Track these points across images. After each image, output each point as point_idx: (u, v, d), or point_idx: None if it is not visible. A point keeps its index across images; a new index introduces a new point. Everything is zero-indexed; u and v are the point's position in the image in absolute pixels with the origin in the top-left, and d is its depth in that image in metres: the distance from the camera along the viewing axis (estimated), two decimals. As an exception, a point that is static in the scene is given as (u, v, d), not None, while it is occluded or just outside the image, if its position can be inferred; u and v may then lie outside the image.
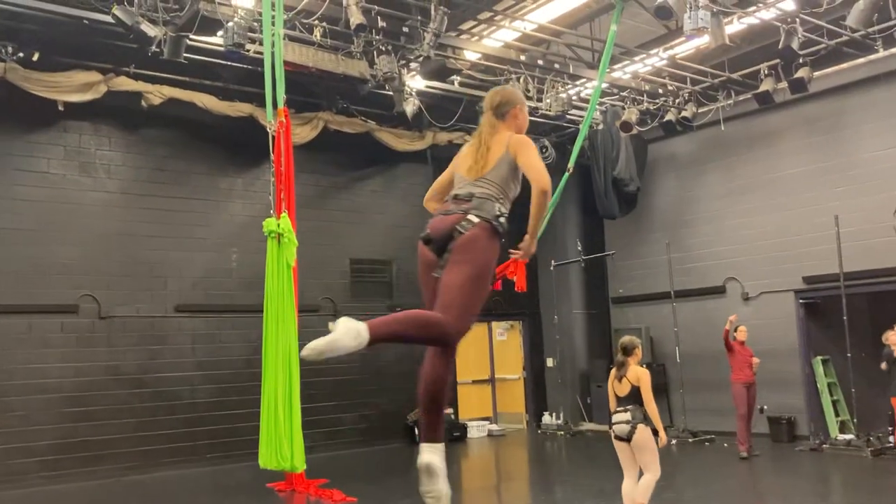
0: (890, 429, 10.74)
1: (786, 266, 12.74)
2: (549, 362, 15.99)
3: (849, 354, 11.29)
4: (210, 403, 11.83)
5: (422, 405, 3.57)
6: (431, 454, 3.51)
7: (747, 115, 13.22)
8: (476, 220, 3.62)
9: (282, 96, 8.05)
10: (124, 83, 10.96)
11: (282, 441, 7.13)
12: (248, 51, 9.75)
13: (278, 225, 7.31)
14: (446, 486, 3.50)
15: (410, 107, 11.53)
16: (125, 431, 11.06)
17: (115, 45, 10.12)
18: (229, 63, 10.77)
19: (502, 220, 3.74)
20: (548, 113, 12.61)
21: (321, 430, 12.74)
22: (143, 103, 11.16)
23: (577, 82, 12.85)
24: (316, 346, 3.05)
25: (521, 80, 11.53)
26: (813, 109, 12.61)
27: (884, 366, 10.38)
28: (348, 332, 3.10)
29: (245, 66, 10.71)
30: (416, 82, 11.74)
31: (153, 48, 9.44)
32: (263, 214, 8.34)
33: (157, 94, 11.18)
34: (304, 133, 12.28)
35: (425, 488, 3.50)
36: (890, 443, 10.56)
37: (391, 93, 11.42)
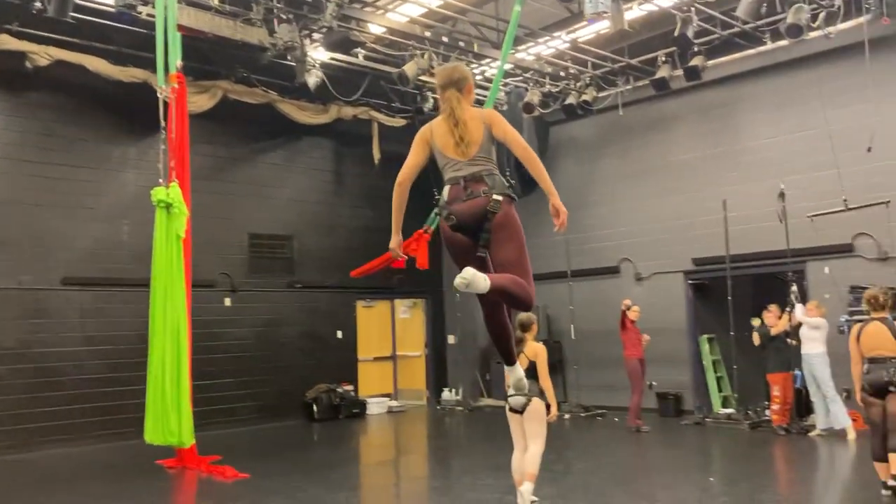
0: (766, 403, 11.36)
1: (677, 248, 13.23)
2: (451, 339, 16.17)
3: (732, 333, 11.85)
4: (98, 380, 11.40)
5: (503, 349, 4.37)
6: (517, 369, 4.66)
7: (645, 100, 13.61)
8: (501, 198, 3.90)
9: (176, 61, 7.81)
10: (7, 42, 10.36)
11: (169, 415, 6.98)
12: (140, 13, 9.36)
13: (167, 194, 7.12)
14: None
15: (313, 78, 11.34)
16: (5, 409, 10.55)
17: (-4, 0, 9.56)
18: (122, 26, 10.31)
19: (511, 189, 4.05)
20: (452, 91, 12.60)
21: (216, 408, 12.50)
22: (28, 64, 10.60)
23: (482, 61, 12.94)
24: (464, 277, 3.54)
25: (426, 56, 11.49)
26: (706, 97, 13.09)
27: (756, 339, 10.97)
28: (478, 277, 3.58)
29: (140, 29, 10.28)
30: (319, 54, 11.57)
31: (38, 4, 8.94)
32: (156, 184, 8.08)
33: (43, 54, 10.62)
34: (201, 102, 11.91)
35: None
36: (766, 416, 11.17)
37: (293, 63, 11.20)
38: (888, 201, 10.63)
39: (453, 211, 3.90)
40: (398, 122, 14.46)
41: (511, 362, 4.54)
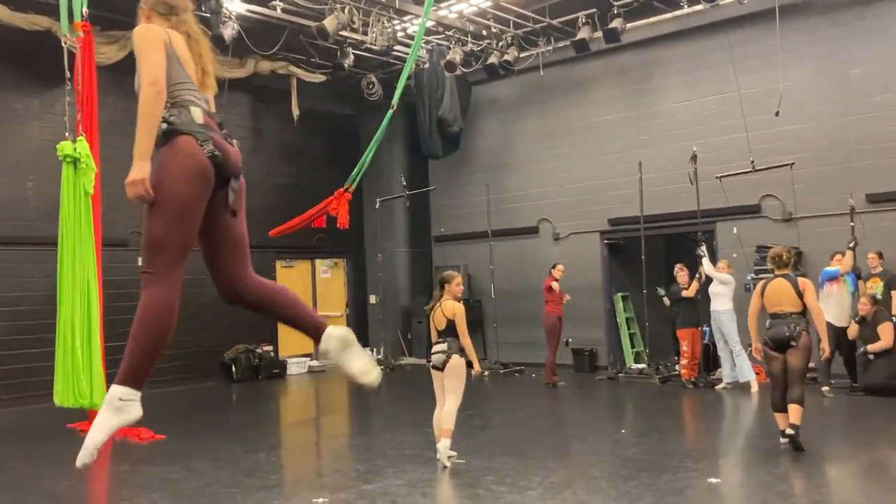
0: (676, 358, 11.82)
1: (594, 208, 13.52)
2: (372, 299, 16.16)
3: (644, 291, 12.23)
4: (6, 342, 10.98)
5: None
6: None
7: (565, 62, 13.73)
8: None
9: (80, 9, 7.43)
10: None
11: (80, 377, 6.78)
12: (43, -44, 8.83)
13: (75, 149, 6.82)
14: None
15: (229, 31, 10.99)
16: None
17: None
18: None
19: None
20: (373, 47, 12.47)
21: (131, 369, 12.20)
22: (-81, 10, 9.91)
23: (404, 18, 12.78)
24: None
25: (347, 10, 11.27)
26: (624, 60, 13.30)
27: (666, 301, 11.38)
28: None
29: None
30: (234, 5, 11.20)
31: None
32: (63, 138, 7.73)
33: (-65, -1, 9.94)
34: (110, 53, 11.39)
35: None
36: (675, 371, 11.63)
37: (208, 14, 10.80)
38: (793, 163, 11.07)
39: (218, 144, 3.09)
40: (318, 77, 14.19)
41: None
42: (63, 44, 7.16)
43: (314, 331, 3.30)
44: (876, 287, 9.90)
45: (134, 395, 3.06)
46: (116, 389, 3.02)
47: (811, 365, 10.59)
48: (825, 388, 9.78)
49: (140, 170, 2.97)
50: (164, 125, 3.03)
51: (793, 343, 6.72)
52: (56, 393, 6.92)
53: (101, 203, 8.11)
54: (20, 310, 11.19)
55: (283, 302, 3.29)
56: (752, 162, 10.93)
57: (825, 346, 7.35)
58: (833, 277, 10.01)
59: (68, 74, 7.34)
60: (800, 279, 7.01)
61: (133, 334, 3.05)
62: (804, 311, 6.87)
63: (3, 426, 9.88)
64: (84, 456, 2.97)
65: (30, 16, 10.77)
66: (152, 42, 3.12)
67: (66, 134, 7.22)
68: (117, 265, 12.18)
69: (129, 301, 13.72)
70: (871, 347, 9.51)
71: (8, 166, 11.34)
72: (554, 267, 11.91)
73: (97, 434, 3.00)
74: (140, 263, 3.09)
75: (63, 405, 6.97)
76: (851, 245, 9.89)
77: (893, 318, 9.52)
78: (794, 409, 6.71)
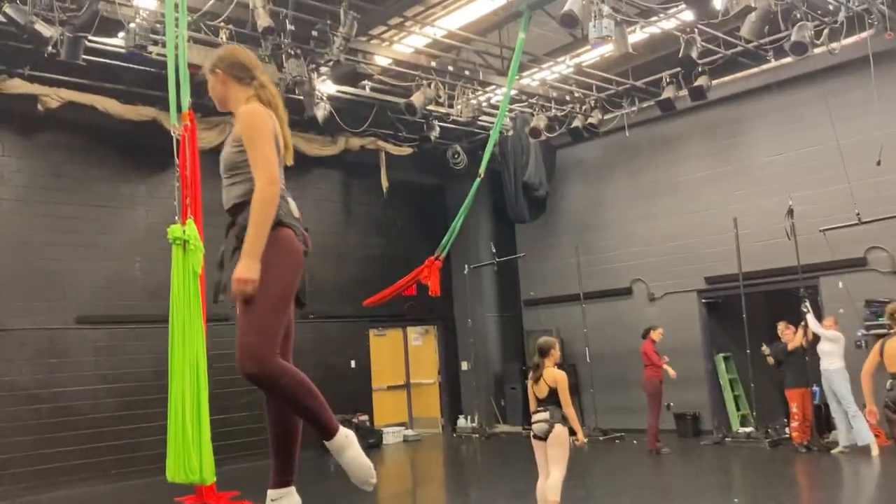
0: (785, 420, 11.27)
1: (688, 267, 13.21)
2: (464, 366, 16.11)
3: (748, 350, 11.79)
4: (114, 418, 11.38)
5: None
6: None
7: (650, 121, 13.66)
8: None
9: (186, 100, 7.86)
10: (19, 86, 10.45)
11: (190, 453, 6.91)
12: (150, 53, 9.44)
13: (184, 231, 7.12)
14: None
15: (321, 111, 11.42)
16: (21, 450, 10.51)
17: (8, 45, 9.67)
18: (131, 66, 10.42)
19: None
20: (459, 119, 12.73)
21: (234, 442, 12.44)
22: (40, 106, 10.68)
23: (487, 89, 13.01)
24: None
25: (433, 85, 11.57)
26: (712, 116, 13.14)
27: (770, 360, 10.91)
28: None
29: (148, 68, 10.37)
30: (326, 87, 11.65)
31: (49, 49, 9.04)
32: (168, 221, 8.08)
33: (54, 96, 10.72)
34: (210, 138, 11.96)
35: None
36: (786, 434, 11.07)
37: (301, 97, 11.28)
38: None
39: (305, 239, 3.22)
40: (405, 150, 14.54)
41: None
42: (172, 133, 7.56)
43: (324, 429, 3.19)
44: None
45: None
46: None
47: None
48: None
49: (252, 269, 2.96)
50: None
51: None
52: (168, 468, 7.07)
53: (205, 281, 8.45)
54: (128, 386, 11.61)
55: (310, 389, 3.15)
56: (858, 214, 10.53)
57: None
58: None
59: (176, 161, 7.73)
60: None
61: (299, 409, 3.12)
62: None
63: (113, 500, 10.17)
64: None
65: (137, 107, 11.47)
66: (265, 132, 3.13)
67: (175, 217, 7.56)
68: (219, 339, 12.57)
69: (232, 375, 14.03)
70: None
71: (117, 248, 11.94)
72: (654, 329, 11.64)
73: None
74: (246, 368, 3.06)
75: (174, 480, 7.13)
76: None
77: None
78: None
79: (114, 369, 11.64)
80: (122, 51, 9.41)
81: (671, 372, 11.40)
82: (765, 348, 11.25)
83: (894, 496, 6.87)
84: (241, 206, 3.12)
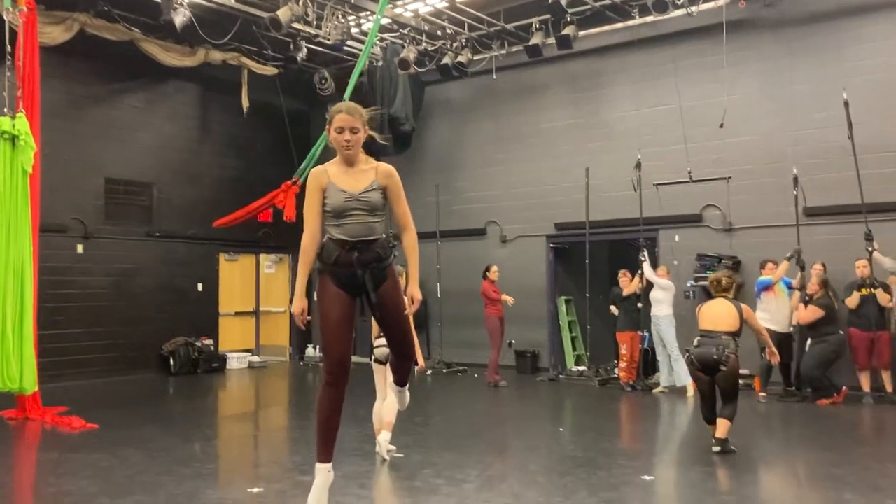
0: (615, 361, 12.00)
1: (541, 212, 13.65)
2: (315, 296, 15.99)
3: (587, 295, 12.41)
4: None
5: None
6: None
7: (518, 66, 13.85)
8: None
9: (24, -16, 7.24)
10: None
11: (9, 360, 6.58)
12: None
13: (13, 125, 6.62)
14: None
15: (180, 17, 10.81)
16: None
17: None
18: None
19: None
20: (327, 41, 12.41)
21: (66, 359, 11.93)
22: None
23: (359, 14, 12.75)
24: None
25: (301, 2, 11.20)
26: (576, 67, 13.48)
27: (615, 310, 11.53)
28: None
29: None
30: (187, -8, 11.02)
31: None
32: (1, 114, 7.51)
33: None
34: (55, 34, 11.11)
35: None
36: (615, 374, 11.81)
37: (159, 0, 10.63)
38: (729, 177, 11.42)
39: None
40: (269, 70, 14.06)
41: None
42: (4, 16, 6.95)
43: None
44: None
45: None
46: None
47: (745, 371, 10.90)
48: (762, 395, 10.05)
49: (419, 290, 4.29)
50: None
51: (722, 367, 6.74)
52: (-16, 375, 6.71)
53: (40, 186, 7.90)
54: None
55: None
56: (690, 172, 11.17)
57: (774, 352, 7.45)
58: (767, 287, 10.28)
59: (9, 49, 7.13)
60: (742, 305, 7.07)
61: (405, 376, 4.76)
62: (738, 333, 6.89)
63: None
64: None
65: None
66: None
67: (6, 110, 7.01)
68: (53, 251, 11.92)
69: (65, 289, 13.50)
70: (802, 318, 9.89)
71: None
72: (490, 268, 12.05)
73: None
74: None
75: (-9, 388, 6.77)
76: (789, 256, 10.12)
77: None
78: (722, 423, 6.84)
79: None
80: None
81: (508, 300, 11.86)
82: (613, 309, 11.72)
83: (701, 430, 7.48)
84: (377, 240, 4.02)
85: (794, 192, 10.20)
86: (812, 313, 9.87)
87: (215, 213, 12.77)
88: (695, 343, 7.02)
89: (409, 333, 4.16)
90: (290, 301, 16.37)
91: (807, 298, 9.97)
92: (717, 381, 6.85)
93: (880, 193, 10.10)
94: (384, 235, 3.98)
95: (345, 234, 3.97)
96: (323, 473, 4.38)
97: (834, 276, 10.17)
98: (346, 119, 4.04)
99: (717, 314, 6.98)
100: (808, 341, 10.05)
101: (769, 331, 10.13)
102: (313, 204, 3.97)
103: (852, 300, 9.83)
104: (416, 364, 6.91)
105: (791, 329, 10.28)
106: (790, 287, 10.41)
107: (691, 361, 7.00)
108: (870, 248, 9.44)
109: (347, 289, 4.00)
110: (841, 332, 9.89)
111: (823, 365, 9.87)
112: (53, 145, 12.12)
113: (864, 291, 9.77)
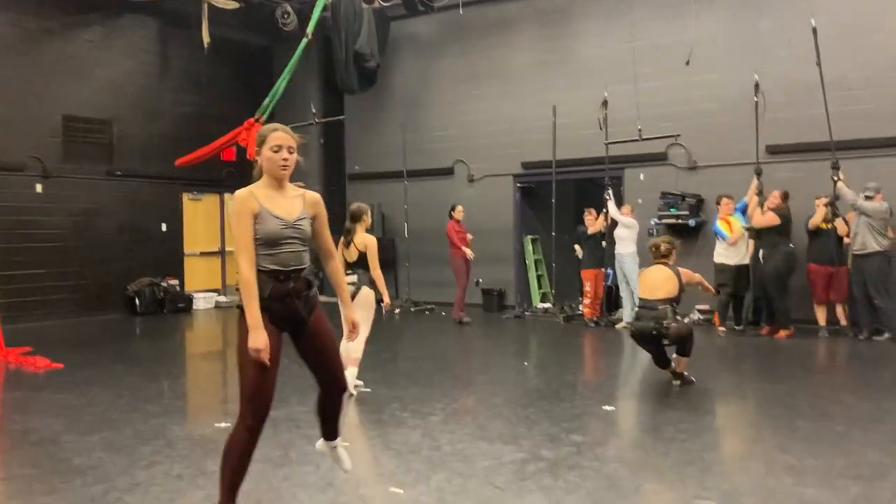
0: (580, 298, 12.18)
1: (508, 151, 13.63)
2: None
3: (553, 234, 12.51)
4: None
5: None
6: None
7: (485, 1, 13.63)
8: None
9: None
10: None
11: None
12: None
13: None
14: None
15: (135, -53, 10.42)
16: None
17: None
18: None
19: None
20: (289, -25, 12.06)
21: (28, 300, 11.83)
22: None
23: (322, -54, 12.36)
24: None
25: (261, -67, 10.84)
26: (544, 3, 13.31)
27: (580, 251, 11.64)
28: None
29: None
30: (141, -80, 10.61)
31: None
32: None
33: None
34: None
35: None
36: (579, 311, 11.99)
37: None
38: (678, 135, 11.51)
39: None
40: (231, 4, 13.62)
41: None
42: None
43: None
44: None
45: None
46: None
47: (705, 307, 11.12)
48: (721, 329, 10.29)
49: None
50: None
51: (665, 341, 6.82)
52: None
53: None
54: None
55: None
56: (640, 130, 10.99)
57: (709, 287, 7.63)
58: (744, 209, 10.45)
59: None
60: (680, 269, 7.06)
61: None
62: (677, 298, 6.92)
63: None
64: None
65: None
66: None
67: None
68: (10, 191, 11.72)
69: (24, 229, 13.28)
70: None
71: None
72: (455, 208, 12.06)
73: None
74: None
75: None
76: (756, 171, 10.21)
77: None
78: (680, 360, 7.00)
79: None
80: None
81: (469, 253, 11.89)
82: (578, 249, 11.83)
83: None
84: (304, 268, 3.73)
85: (755, 128, 10.26)
86: (769, 219, 9.94)
87: (177, 152, 12.56)
88: (635, 315, 7.13)
89: (339, 359, 4.03)
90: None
91: (768, 208, 10.04)
92: (664, 345, 6.95)
93: (842, 131, 10.20)
94: (310, 264, 3.77)
95: (278, 265, 3.57)
96: None
97: (795, 215, 10.32)
98: (284, 138, 3.73)
99: (655, 281, 6.98)
100: (760, 252, 10.15)
101: (725, 265, 10.35)
102: (246, 229, 3.57)
103: (816, 218, 9.93)
104: (382, 301, 7.00)
105: (747, 261, 10.40)
106: (744, 213, 10.54)
107: (633, 335, 7.11)
108: (835, 178, 9.53)
109: (281, 324, 3.68)
110: (791, 245, 10.03)
111: (785, 286, 10.00)
112: (5, 81, 11.79)
113: (824, 225, 9.93)
